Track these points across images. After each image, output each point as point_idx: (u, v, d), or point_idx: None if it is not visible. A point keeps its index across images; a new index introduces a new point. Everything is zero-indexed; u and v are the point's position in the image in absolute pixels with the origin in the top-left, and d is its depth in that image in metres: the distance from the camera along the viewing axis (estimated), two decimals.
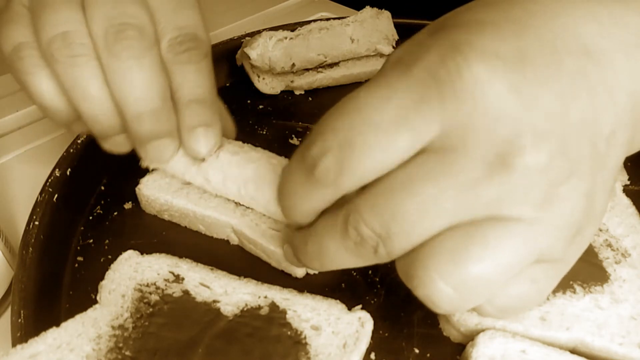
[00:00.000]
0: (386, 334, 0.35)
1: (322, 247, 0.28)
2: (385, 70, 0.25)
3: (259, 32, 0.56)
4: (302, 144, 0.26)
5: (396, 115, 0.23)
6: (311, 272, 0.38)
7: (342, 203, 0.26)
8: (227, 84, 0.59)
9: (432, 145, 0.23)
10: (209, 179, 0.38)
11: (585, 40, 0.24)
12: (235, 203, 0.40)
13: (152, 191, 0.41)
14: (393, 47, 0.57)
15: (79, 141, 0.44)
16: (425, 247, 0.24)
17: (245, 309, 0.33)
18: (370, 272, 0.38)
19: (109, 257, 0.39)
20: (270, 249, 0.38)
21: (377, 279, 0.38)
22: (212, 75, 0.37)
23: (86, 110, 0.33)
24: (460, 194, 0.23)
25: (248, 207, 0.39)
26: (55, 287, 0.37)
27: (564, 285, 0.34)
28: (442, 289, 0.24)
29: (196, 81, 0.36)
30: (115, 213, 0.43)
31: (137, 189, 0.41)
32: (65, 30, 0.31)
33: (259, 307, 0.34)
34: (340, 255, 0.27)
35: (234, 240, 0.41)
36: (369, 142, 0.24)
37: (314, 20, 0.57)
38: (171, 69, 0.35)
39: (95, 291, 0.35)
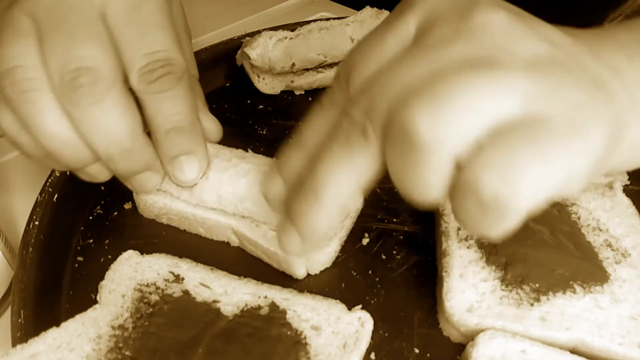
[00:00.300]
0: (386, 334, 0.35)
1: (317, 163, 0.28)
2: None
3: (259, 32, 0.56)
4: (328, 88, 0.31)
5: (383, 29, 0.28)
6: (312, 272, 0.38)
7: None
8: (227, 84, 0.59)
9: (415, 37, 0.27)
10: (203, 200, 0.38)
11: None
12: None
13: (150, 195, 0.40)
14: None
15: None
16: (403, 96, 0.24)
17: (245, 309, 0.33)
18: (370, 272, 0.38)
19: (109, 257, 0.39)
20: (271, 250, 0.37)
21: (377, 279, 0.38)
22: (189, 97, 0.36)
23: (46, 144, 0.33)
24: (430, 53, 0.25)
25: None
26: (55, 287, 0.37)
27: (564, 285, 0.34)
28: (418, 103, 0.23)
29: (173, 108, 0.35)
30: (115, 213, 0.43)
31: (134, 193, 0.41)
32: (13, 65, 0.31)
33: (259, 307, 0.34)
34: (334, 159, 0.27)
35: (235, 242, 0.41)
36: (364, 56, 0.28)
37: (314, 20, 0.57)
38: (144, 99, 0.34)
39: (95, 291, 0.35)
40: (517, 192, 0.22)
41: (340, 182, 0.27)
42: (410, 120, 0.23)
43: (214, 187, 0.38)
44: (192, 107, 0.36)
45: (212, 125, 0.41)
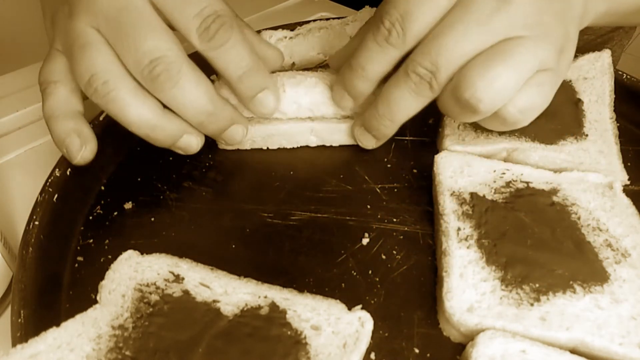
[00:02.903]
0: (386, 334, 0.35)
1: (390, 100, 0.39)
2: None
3: (259, 32, 0.56)
4: (372, 22, 0.38)
5: None
6: (378, 144, 0.45)
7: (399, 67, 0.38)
8: None
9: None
10: (284, 112, 0.46)
11: None
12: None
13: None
14: None
15: None
16: (464, 68, 0.35)
17: (245, 308, 0.33)
18: (370, 272, 0.38)
19: (109, 257, 0.39)
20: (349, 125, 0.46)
21: (377, 279, 0.38)
22: (245, 39, 0.39)
23: (137, 132, 0.39)
24: (481, 26, 0.35)
25: None
26: (55, 287, 0.37)
27: (564, 285, 0.34)
28: (480, 88, 0.34)
29: (238, 55, 0.39)
30: (115, 213, 0.43)
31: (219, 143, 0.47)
32: (90, 76, 0.36)
33: (259, 307, 0.34)
34: (405, 100, 0.38)
35: (313, 142, 0.48)
36: (421, 7, 0.35)
37: (314, 20, 0.57)
38: (210, 56, 0.38)
39: (95, 291, 0.35)
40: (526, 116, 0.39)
41: (410, 111, 0.40)
42: (474, 99, 0.35)
43: (293, 99, 0.45)
44: (251, 47, 0.40)
45: (272, 53, 0.46)
